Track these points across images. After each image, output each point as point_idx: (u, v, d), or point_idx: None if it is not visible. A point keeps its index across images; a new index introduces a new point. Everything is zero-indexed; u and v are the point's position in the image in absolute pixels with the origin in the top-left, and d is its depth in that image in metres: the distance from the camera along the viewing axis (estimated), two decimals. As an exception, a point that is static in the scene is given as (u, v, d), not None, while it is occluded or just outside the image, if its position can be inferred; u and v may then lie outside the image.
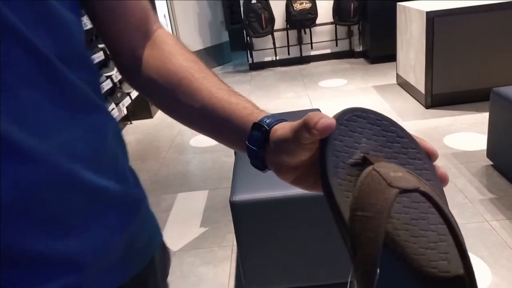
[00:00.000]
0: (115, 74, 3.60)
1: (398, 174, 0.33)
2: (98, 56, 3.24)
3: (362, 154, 0.37)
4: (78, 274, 0.45)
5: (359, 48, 5.63)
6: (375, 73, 4.87)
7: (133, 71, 0.57)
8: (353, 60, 5.59)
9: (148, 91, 0.58)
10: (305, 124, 0.38)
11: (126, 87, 3.97)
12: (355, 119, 0.39)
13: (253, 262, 1.74)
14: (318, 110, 2.49)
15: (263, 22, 5.32)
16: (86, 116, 0.48)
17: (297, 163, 0.43)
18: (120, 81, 3.91)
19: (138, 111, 4.27)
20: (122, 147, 0.56)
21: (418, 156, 0.39)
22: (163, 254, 0.63)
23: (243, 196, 1.61)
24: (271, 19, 5.37)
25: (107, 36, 0.57)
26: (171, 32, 5.14)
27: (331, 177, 0.35)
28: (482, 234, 2.01)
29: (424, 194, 0.33)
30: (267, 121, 0.46)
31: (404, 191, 0.31)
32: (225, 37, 6.41)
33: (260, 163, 0.47)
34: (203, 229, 2.29)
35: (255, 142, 0.46)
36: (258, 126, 0.46)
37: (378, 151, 0.38)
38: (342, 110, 0.39)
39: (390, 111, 3.66)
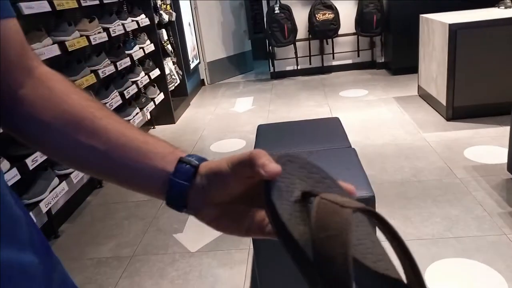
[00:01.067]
0: (140, 80, 3.71)
1: (344, 199, 0.37)
2: (125, 62, 3.36)
3: (301, 191, 0.41)
4: None
5: (381, 59, 5.63)
6: (396, 84, 4.87)
7: (12, 113, 0.50)
8: (374, 71, 5.60)
9: (33, 133, 0.51)
10: (250, 161, 0.41)
11: (151, 92, 4.08)
12: (288, 163, 0.43)
13: (269, 266, 1.77)
14: (338, 118, 2.53)
15: (285, 32, 5.39)
16: None
17: (224, 198, 0.44)
18: (145, 86, 4.02)
19: (161, 116, 4.37)
20: (20, 205, 0.47)
21: (342, 193, 0.43)
22: None
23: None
24: (294, 29, 5.44)
25: None
26: (194, 40, 5.24)
27: (281, 212, 0.38)
28: (500, 247, 2.00)
29: (372, 212, 0.37)
30: (195, 157, 0.47)
31: (355, 210, 0.35)
32: (247, 46, 6.51)
33: (182, 200, 0.46)
34: (220, 232, 2.34)
35: (184, 175, 0.45)
36: (186, 160, 0.46)
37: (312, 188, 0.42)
38: (277, 155, 0.43)
39: (410, 123, 3.66)
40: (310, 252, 0.35)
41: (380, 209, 2.37)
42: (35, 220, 0.50)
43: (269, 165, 0.40)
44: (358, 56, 5.72)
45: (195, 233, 2.37)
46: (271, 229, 0.44)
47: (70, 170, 2.52)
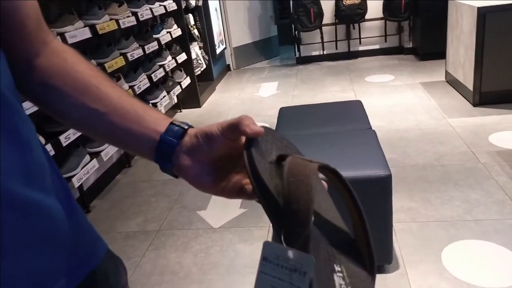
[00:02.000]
0: (168, 63, 3.80)
1: (312, 158, 0.44)
2: (153, 46, 3.45)
3: (276, 155, 0.49)
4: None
5: (408, 45, 5.55)
6: (423, 70, 4.80)
7: (28, 79, 0.56)
8: (402, 56, 5.52)
9: (47, 97, 0.57)
10: (238, 123, 0.47)
11: (178, 76, 4.18)
12: (269, 134, 0.50)
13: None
14: (360, 101, 2.55)
15: (311, 17, 5.37)
16: (18, 131, 0.48)
17: (209, 157, 0.51)
18: (172, 70, 4.12)
19: (188, 100, 4.47)
20: (47, 156, 0.54)
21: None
22: (113, 263, 0.64)
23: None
24: (320, 14, 5.41)
25: (2, 42, 0.53)
26: (221, 25, 5.30)
27: (258, 166, 0.45)
28: (519, 230, 2.00)
29: (334, 171, 0.45)
30: (186, 124, 0.53)
31: (321, 166, 0.42)
32: (274, 31, 6.51)
33: (168, 156, 0.52)
34: (242, 210, 2.43)
35: (173, 134, 0.52)
36: (177, 123, 0.53)
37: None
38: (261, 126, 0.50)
39: (436, 108, 3.62)
40: (281, 201, 0.41)
41: (400, 192, 2.40)
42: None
43: (254, 125, 0.47)
44: (386, 41, 5.65)
45: (218, 211, 2.46)
46: (243, 192, 0.52)
47: (101, 148, 2.64)
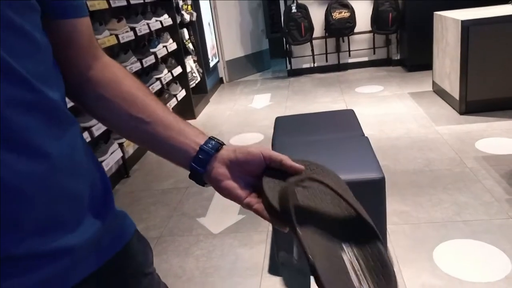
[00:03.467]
0: (164, 77, 3.90)
1: (300, 178, 0.61)
2: (150, 60, 3.55)
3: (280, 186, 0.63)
4: (70, 256, 0.55)
5: (396, 57, 5.72)
6: (411, 81, 4.96)
7: (82, 90, 0.64)
8: (390, 68, 5.69)
9: (98, 107, 0.65)
10: (283, 160, 0.62)
11: (173, 89, 4.27)
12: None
13: (287, 244, 1.92)
14: (352, 110, 2.66)
15: (302, 30, 5.53)
16: (68, 130, 0.57)
17: (241, 171, 0.63)
18: (168, 83, 4.21)
19: (183, 112, 4.55)
20: (89, 150, 0.63)
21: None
22: (141, 243, 0.71)
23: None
24: (310, 28, 5.57)
25: (60, 56, 0.59)
26: (214, 39, 5.41)
27: (267, 191, 0.60)
28: (506, 230, 2.11)
29: (310, 179, 0.60)
30: (213, 142, 0.64)
31: (297, 182, 0.59)
32: (265, 44, 6.66)
33: (204, 164, 0.62)
34: (241, 216, 2.50)
35: (211, 146, 0.63)
36: (215, 139, 0.64)
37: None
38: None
39: (424, 117, 3.76)
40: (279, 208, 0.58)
41: (392, 195, 2.50)
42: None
43: (295, 164, 0.63)
44: (374, 53, 5.82)
45: (217, 217, 2.54)
46: (255, 208, 0.63)
47: (102, 158, 2.71)
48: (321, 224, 0.55)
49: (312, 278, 0.50)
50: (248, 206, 0.62)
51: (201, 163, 0.62)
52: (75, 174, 0.56)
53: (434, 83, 4.40)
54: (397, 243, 2.10)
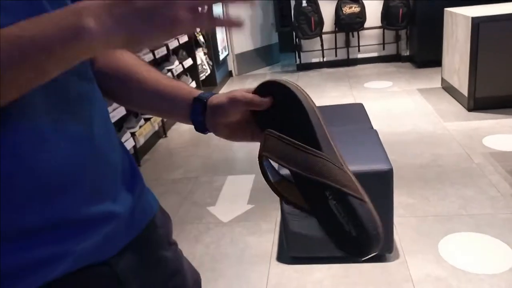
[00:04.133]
0: (175, 68, 3.95)
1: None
2: (162, 51, 3.60)
3: None
4: (115, 224, 0.60)
5: (406, 53, 5.73)
6: (420, 77, 4.97)
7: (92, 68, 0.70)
8: (399, 64, 5.69)
9: (99, 80, 0.68)
10: (250, 102, 0.65)
11: (184, 81, 4.32)
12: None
13: (296, 231, 1.97)
14: (361, 104, 2.70)
15: (312, 25, 5.55)
16: (102, 102, 0.63)
17: (228, 122, 0.66)
18: (179, 75, 4.26)
19: (192, 104, 4.61)
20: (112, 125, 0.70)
21: None
22: (164, 217, 0.76)
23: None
24: (320, 22, 5.59)
25: None
26: (224, 32, 5.43)
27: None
28: (511, 223, 2.14)
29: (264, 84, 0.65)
30: (204, 95, 0.68)
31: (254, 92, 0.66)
32: (274, 38, 6.68)
33: (201, 127, 0.67)
34: (250, 206, 2.56)
35: (197, 111, 0.67)
36: (198, 99, 0.68)
37: None
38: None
39: (432, 113, 3.78)
40: None
41: (399, 189, 2.53)
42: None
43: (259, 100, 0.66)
44: (384, 49, 5.83)
45: (227, 206, 2.59)
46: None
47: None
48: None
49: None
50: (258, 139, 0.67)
51: (197, 113, 0.67)
52: (110, 145, 0.62)
53: (443, 80, 4.41)
54: (403, 235, 2.14)
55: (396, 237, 2.12)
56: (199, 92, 0.69)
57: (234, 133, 0.69)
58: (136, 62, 0.72)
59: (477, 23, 3.42)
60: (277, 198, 2.09)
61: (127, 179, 0.66)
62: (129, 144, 2.99)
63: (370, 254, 0.58)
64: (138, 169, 0.72)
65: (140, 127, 3.30)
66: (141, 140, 3.47)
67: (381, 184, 1.85)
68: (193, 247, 2.24)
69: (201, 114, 0.67)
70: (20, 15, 0.44)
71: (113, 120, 2.59)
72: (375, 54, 5.89)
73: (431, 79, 4.79)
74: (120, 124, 2.96)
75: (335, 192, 0.58)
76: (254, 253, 2.15)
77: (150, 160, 3.45)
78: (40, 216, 0.52)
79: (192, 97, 0.68)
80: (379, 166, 1.83)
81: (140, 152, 3.42)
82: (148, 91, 0.69)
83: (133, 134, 3.09)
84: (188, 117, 0.68)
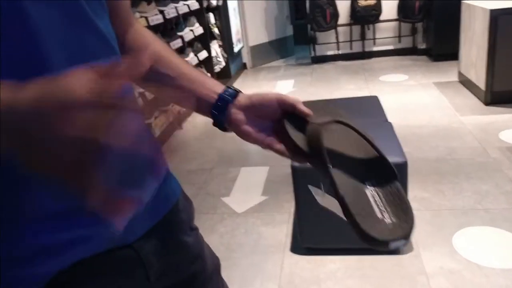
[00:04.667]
0: (190, 60, 3.97)
1: (324, 120, 0.65)
2: (177, 43, 3.62)
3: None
4: (140, 208, 0.59)
5: (422, 46, 5.66)
6: (437, 70, 4.91)
7: (120, 51, 0.72)
8: (415, 57, 5.63)
9: None
10: (296, 104, 0.65)
11: (198, 73, 4.35)
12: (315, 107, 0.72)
13: (310, 222, 1.99)
14: (376, 97, 2.69)
15: (327, 17, 5.52)
16: (130, 89, 0.71)
17: (258, 115, 0.66)
18: (194, 67, 4.29)
19: (207, 96, 4.63)
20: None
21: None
22: (186, 202, 0.78)
23: (304, 162, 1.87)
24: (336, 14, 5.55)
25: None
26: (239, 24, 5.43)
27: (291, 133, 0.65)
28: (527, 219, 2.13)
29: (335, 121, 0.65)
30: (229, 94, 0.68)
31: (324, 123, 0.64)
32: (289, 31, 6.66)
33: (224, 109, 0.66)
34: (264, 197, 2.58)
35: (229, 94, 0.67)
36: (232, 87, 0.69)
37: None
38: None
39: (448, 107, 3.74)
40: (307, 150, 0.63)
41: (413, 183, 2.52)
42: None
43: (306, 108, 0.66)
44: (399, 42, 5.77)
45: (241, 197, 2.62)
46: (276, 148, 0.67)
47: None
48: (346, 164, 0.62)
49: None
50: (268, 147, 0.67)
51: (220, 110, 0.67)
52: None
53: (459, 73, 4.36)
54: (417, 228, 2.13)
55: (410, 230, 2.12)
56: (222, 87, 0.69)
57: (250, 133, 0.68)
58: (165, 48, 0.74)
59: (496, 16, 3.37)
60: (291, 189, 2.10)
61: (152, 165, 0.68)
62: (145, 135, 3.02)
63: (400, 243, 0.57)
64: (163, 155, 0.74)
65: (156, 118, 3.34)
66: (157, 132, 3.51)
67: (395, 176, 1.85)
68: (207, 237, 2.26)
69: (224, 113, 0.67)
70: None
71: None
72: (391, 47, 5.83)
73: (447, 72, 4.74)
74: (137, 115, 2.99)
75: (383, 178, 0.60)
76: (268, 243, 2.18)
77: (166, 151, 3.49)
78: (67, 200, 0.54)
79: (217, 94, 0.68)
80: (393, 159, 1.83)
81: (155, 143, 3.46)
82: (174, 75, 0.70)
83: (149, 125, 3.13)
84: (209, 112, 0.68)
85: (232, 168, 3.03)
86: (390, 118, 2.49)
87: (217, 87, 0.69)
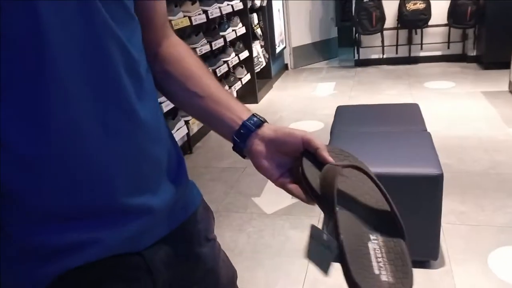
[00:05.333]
0: (231, 60, 4.01)
1: (342, 163, 0.63)
2: (219, 43, 3.67)
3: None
4: (152, 216, 0.63)
5: (472, 53, 5.42)
6: (486, 79, 4.69)
7: (151, 64, 0.69)
8: (464, 64, 5.40)
9: (161, 80, 0.70)
10: (319, 147, 0.63)
11: (239, 73, 4.38)
12: (332, 152, 0.69)
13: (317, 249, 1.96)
14: (417, 105, 2.60)
15: (373, 20, 5.40)
16: (152, 98, 0.64)
17: (278, 150, 0.64)
18: (234, 67, 4.33)
19: (246, 95, 4.66)
20: (165, 121, 0.70)
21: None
22: (205, 212, 0.77)
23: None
24: (382, 18, 5.42)
25: None
26: (282, 25, 5.43)
27: (307, 171, 0.63)
28: None
29: (355, 167, 0.62)
30: (262, 118, 0.67)
31: (343, 166, 0.61)
32: (334, 33, 6.58)
33: (245, 138, 0.65)
34: (294, 200, 2.56)
35: (253, 123, 0.65)
36: (258, 116, 0.67)
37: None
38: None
39: (496, 117, 3.57)
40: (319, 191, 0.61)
41: (452, 195, 2.43)
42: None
43: (327, 155, 0.64)
44: (448, 48, 5.56)
45: (271, 198, 2.62)
46: (287, 187, 0.66)
47: (168, 133, 2.88)
48: (356, 212, 0.59)
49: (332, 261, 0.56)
50: (280, 185, 0.66)
51: (242, 138, 0.66)
52: (155, 139, 0.63)
53: (511, 83, 4.14)
54: (451, 242, 2.06)
55: (443, 244, 2.04)
56: (249, 114, 0.67)
57: (266, 169, 0.66)
58: (199, 65, 0.72)
59: (554, 24, 3.17)
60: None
61: (171, 173, 0.67)
62: (182, 131, 3.09)
63: None
64: (184, 163, 0.73)
65: (194, 115, 3.39)
66: (194, 128, 3.57)
67: (429, 188, 1.79)
68: (236, 235, 2.30)
69: (245, 141, 0.66)
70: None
71: (168, 108, 2.71)
72: (438, 53, 5.63)
73: (498, 81, 4.51)
74: (175, 113, 3.06)
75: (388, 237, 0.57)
76: (295, 247, 2.16)
77: (202, 148, 3.55)
78: (75, 203, 0.56)
79: (241, 120, 0.66)
80: (429, 170, 1.77)
81: (193, 139, 3.52)
82: (203, 94, 0.69)
83: (186, 122, 3.19)
84: (231, 138, 0.67)
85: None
86: (432, 127, 2.40)
87: (243, 114, 0.67)
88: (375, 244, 0.56)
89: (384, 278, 0.52)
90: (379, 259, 0.55)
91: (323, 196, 0.60)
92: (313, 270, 1.97)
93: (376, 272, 0.53)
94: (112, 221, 0.58)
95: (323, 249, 0.58)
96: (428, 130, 2.29)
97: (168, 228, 0.67)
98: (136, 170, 0.60)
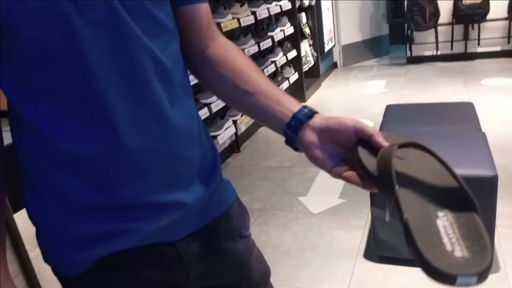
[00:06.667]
0: (279, 60, 4.03)
1: (398, 142, 0.60)
2: (267, 43, 3.70)
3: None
4: (184, 211, 0.68)
5: (536, 47, 5.10)
6: (551, 75, 4.40)
7: (201, 66, 0.73)
8: (527, 59, 5.10)
9: (212, 81, 0.73)
10: (373, 135, 0.60)
11: (287, 72, 4.39)
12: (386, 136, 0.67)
13: (385, 230, 1.93)
14: (471, 103, 2.50)
15: (426, 16, 5.22)
16: (186, 102, 0.68)
17: (331, 140, 0.63)
18: (282, 67, 4.35)
19: (293, 95, 4.52)
20: (202, 124, 0.74)
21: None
22: (240, 210, 0.80)
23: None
24: (436, 13, 5.23)
25: (183, 38, 0.70)
26: (331, 23, 5.37)
27: (363, 157, 0.61)
28: None
29: (414, 144, 0.60)
30: (306, 110, 0.66)
31: (398, 146, 0.58)
32: (385, 30, 6.42)
33: (296, 130, 0.64)
34: (341, 200, 2.55)
35: (304, 115, 0.64)
36: (309, 107, 0.66)
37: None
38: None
39: (561, 116, 3.35)
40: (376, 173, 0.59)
41: (508, 198, 2.32)
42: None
43: (383, 140, 0.61)
44: (508, 43, 5.25)
45: (318, 198, 2.62)
46: (344, 175, 0.63)
47: (217, 133, 2.96)
48: (418, 190, 0.56)
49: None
50: (336, 175, 0.64)
51: (294, 130, 0.65)
52: (189, 141, 0.68)
53: None
54: (507, 248, 1.97)
55: (498, 249, 1.96)
56: (299, 106, 0.67)
57: (320, 159, 0.64)
58: (249, 64, 0.74)
59: None
60: (369, 195, 2.05)
61: (205, 172, 0.72)
62: (231, 131, 3.16)
63: (471, 280, 0.48)
64: (219, 163, 0.77)
65: (242, 115, 3.46)
66: (242, 128, 3.63)
67: (483, 191, 1.72)
68: (281, 234, 2.32)
69: (296, 133, 0.65)
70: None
71: (216, 109, 2.78)
72: (497, 48, 5.34)
73: None
74: (224, 112, 3.13)
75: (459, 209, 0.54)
76: (341, 247, 2.16)
77: (249, 147, 3.60)
78: (113, 198, 0.62)
79: (292, 113, 0.66)
80: (482, 172, 1.71)
81: (240, 138, 3.59)
82: (252, 91, 0.70)
83: (235, 122, 3.26)
84: (283, 131, 0.67)
85: (311, 168, 3.03)
86: (488, 126, 2.30)
87: (293, 106, 0.67)
88: (444, 220, 0.53)
89: (458, 254, 0.49)
90: (451, 235, 0.51)
91: (380, 176, 0.57)
92: (360, 270, 1.96)
93: (449, 248, 0.49)
94: (146, 214, 0.64)
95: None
96: (485, 129, 2.20)
97: (201, 223, 0.72)
98: (169, 169, 0.65)
